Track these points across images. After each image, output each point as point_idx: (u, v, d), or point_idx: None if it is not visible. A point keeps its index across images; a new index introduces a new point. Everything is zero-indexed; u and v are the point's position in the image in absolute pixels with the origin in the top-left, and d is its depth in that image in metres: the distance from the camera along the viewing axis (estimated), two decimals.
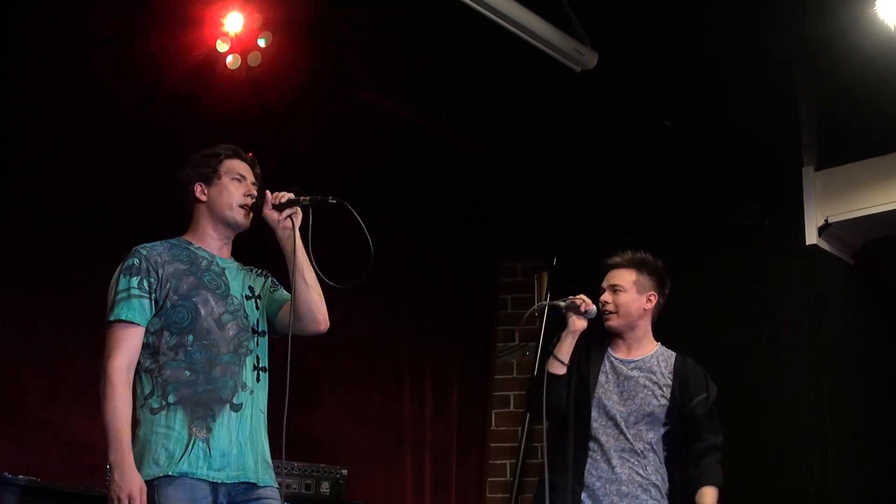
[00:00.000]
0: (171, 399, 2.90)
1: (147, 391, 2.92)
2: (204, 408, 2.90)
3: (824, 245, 5.38)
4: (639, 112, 5.33)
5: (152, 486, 2.82)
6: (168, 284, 2.97)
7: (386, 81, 5.05)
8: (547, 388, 3.60)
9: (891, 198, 5.19)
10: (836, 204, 5.34)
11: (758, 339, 5.37)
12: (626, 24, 4.98)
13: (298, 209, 3.07)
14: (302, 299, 3.06)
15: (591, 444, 3.63)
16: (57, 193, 4.60)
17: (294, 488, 4.67)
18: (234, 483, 2.92)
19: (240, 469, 2.93)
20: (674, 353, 3.76)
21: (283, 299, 3.16)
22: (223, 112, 4.64)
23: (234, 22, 4.51)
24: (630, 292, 3.74)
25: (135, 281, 2.95)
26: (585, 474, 3.60)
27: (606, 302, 3.74)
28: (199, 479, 2.85)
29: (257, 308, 3.12)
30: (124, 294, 2.94)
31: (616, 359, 3.73)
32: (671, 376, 3.66)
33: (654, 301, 3.76)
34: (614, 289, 3.75)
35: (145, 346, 2.95)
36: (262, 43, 4.57)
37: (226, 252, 3.15)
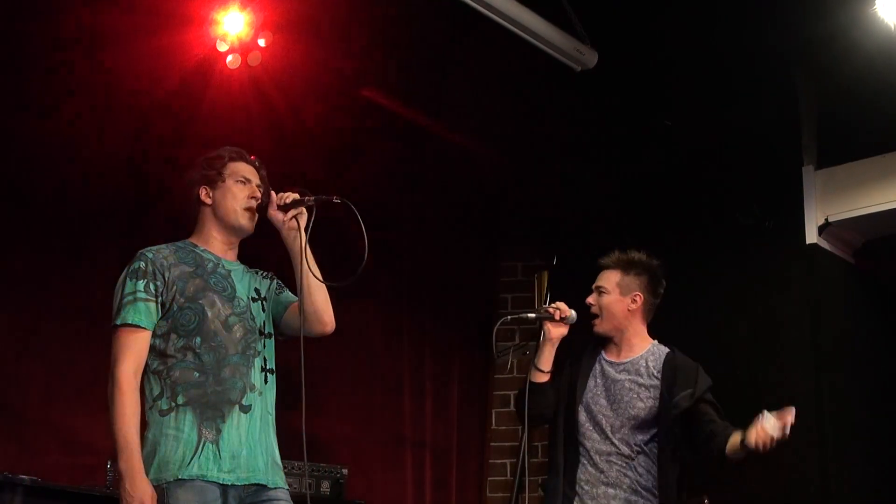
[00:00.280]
0: (179, 400, 2.89)
1: (156, 393, 2.92)
2: (213, 409, 2.90)
3: (824, 244, 5.37)
4: (639, 111, 5.33)
5: (162, 489, 2.81)
6: (174, 287, 2.96)
7: (386, 81, 5.06)
8: (529, 397, 3.60)
9: (891, 197, 5.18)
10: (836, 203, 5.34)
11: (758, 339, 5.37)
12: (627, 23, 4.99)
13: (304, 209, 3.07)
14: (308, 300, 3.06)
15: (581, 449, 3.61)
16: (57, 193, 4.60)
17: (294, 488, 4.66)
18: (245, 485, 2.91)
19: (250, 471, 2.92)
20: (667, 350, 3.71)
21: (289, 301, 3.16)
22: (223, 112, 4.64)
23: (233, 22, 4.51)
24: (613, 294, 3.71)
25: (141, 284, 2.95)
26: (576, 478, 3.59)
27: (591, 304, 3.73)
28: (210, 482, 2.84)
29: (263, 310, 3.12)
30: (130, 298, 2.94)
31: (607, 361, 3.71)
32: (659, 375, 3.61)
33: (641, 301, 3.71)
34: (599, 290, 3.74)
35: (153, 348, 2.94)
36: (261, 43, 4.57)
37: (232, 255, 3.15)
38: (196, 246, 3.10)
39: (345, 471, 5.00)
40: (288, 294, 3.19)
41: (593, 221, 5.83)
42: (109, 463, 4.32)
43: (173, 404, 2.89)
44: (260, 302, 3.12)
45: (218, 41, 4.51)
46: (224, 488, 2.86)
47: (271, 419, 3.06)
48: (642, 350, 3.70)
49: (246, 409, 2.95)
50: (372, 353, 5.80)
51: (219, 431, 2.88)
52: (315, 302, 3.08)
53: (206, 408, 2.89)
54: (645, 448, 3.57)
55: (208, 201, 3.12)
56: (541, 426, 3.72)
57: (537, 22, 4.68)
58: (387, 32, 4.75)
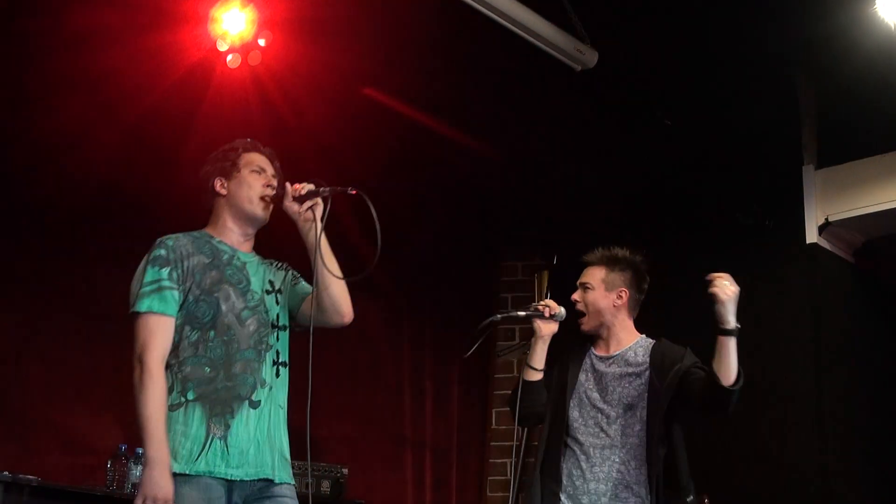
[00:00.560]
0: (190, 396, 2.88)
1: (167, 385, 2.88)
2: (223, 405, 2.89)
3: (825, 244, 5.38)
4: (639, 111, 5.33)
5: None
6: (192, 278, 2.95)
7: (386, 80, 5.05)
8: (522, 395, 3.61)
9: (891, 196, 5.19)
10: (836, 202, 5.34)
11: (758, 339, 5.36)
12: (627, 23, 4.98)
13: (319, 200, 3.06)
14: (325, 292, 3.06)
15: (571, 444, 3.62)
16: (57, 192, 4.60)
17: (295, 487, 4.67)
18: (252, 480, 2.90)
19: (258, 466, 2.92)
20: (654, 341, 3.75)
21: (305, 292, 3.15)
22: (223, 111, 4.63)
23: (234, 21, 4.51)
24: (598, 290, 3.74)
25: (164, 272, 2.93)
26: (564, 475, 3.59)
27: (577, 300, 3.76)
28: (216, 478, 2.84)
29: (277, 303, 3.10)
30: (155, 286, 2.92)
31: (596, 356, 3.74)
32: (647, 363, 3.64)
33: (626, 297, 3.74)
34: (584, 287, 3.77)
35: None
36: (262, 42, 4.57)
37: (247, 246, 3.14)
38: (212, 237, 3.09)
39: (345, 470, 5.01)
40: (304, 285, 3.18)
41: (593, 221, 5.83)
42: (109, 463, 4.33)
43: (183, 399, 2.87)
44: (274, 294, 3.10)
45: (218, 41, 4.50)
46: (230, 484, 2.86)
47: (283, 413, 3.04)
48: (630, 343, 3.73)
49: (255, 405, 2.94)
50: (372, 352, 5.80)
51: (227, 427, 2.87)
52: (332, 293, 3.07)
53: (216, 403, 2.88)
54: (638, 437, 3.57)
55: (223, 192, 3.11)
56: (535, 424, 3.73)
57: (537, 21, 4.68)
58: (387, 32, 4.74)
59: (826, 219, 5.31)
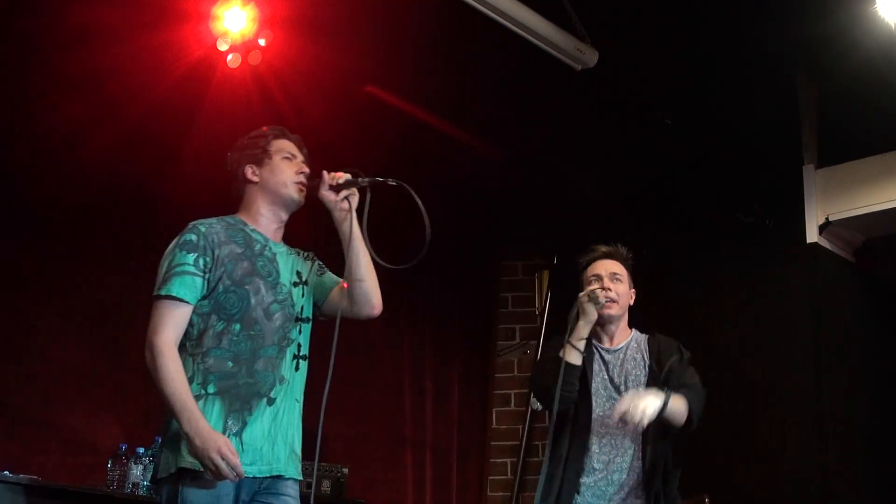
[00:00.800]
0: (210, 389, 2.84)
1: (188, 375, 2.84)
2: (242, 401, 2.86)
3: (825, 243, 5.38)
4: (639, 110, 5.32)
5: (178, 476, 2.78)
6: (223, 267, 2.91)
7: (387, 79, 5.05)
8: (564, 378, 3.56)
9: (891, 195, 5.19)
10: (836, 202, 5.34)
11: (758, 339, 5.37)
12: (627, 22, 4.98)
13: (355, 190, 3.03)
14: (360, 283, 3.04)
15: (591, 437, 3.63)
16: (57, 192, 4.60)
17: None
18: (262, 477, 2.88)
19: (270, 463, 2.90)
20: (647, 335, 3.80)
21: (332, 283, 3.12)
22: (224, 109, 4.63)
23: (235, 19, 4.51)
24: (626, 283, 3.80)
25: (191, 258, 2.88)
26: (584, 467, 3.60)
27: (610, 289, 3.74)
28: None
29: (303, 295, 3.06)
30: (179, 270, 2.87)
31: (603, 349, 3.76)
32: (647, 354, 3.71)
33: (634, 295, 3.84)
34: (615, 277, 3.77)
35: (191, 326, 2.88)
36: (262, 42, 4.57)
37: (279, 236, 3.09)
38: (246, 224, 3.04)
39: (345, 470, 5.00)
40: (330, 276, 3.15)
41: (593, 221, 5.83)
42: (110, 462, 4.33)
43: (203, 392, 2.84)
44: (301, 286, 3.07)
45: (219, 40, 4.50)
46: (240, 481, 2.82)
47: (298, 406, 3.02)
48: (628, 337, 3.79)
49: (272, 402, 2.92)
50: (372, 352, 5.79)
51: (244, 424, 2.85)
52: (364, 284, 3.05)
53: (235, 399, 2.85)
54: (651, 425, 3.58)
55: (255, 179, 3.06)
56: (561, 409, 3.67)
57: (537, 21, 4.68)
58: (388, 31, 4.74)
59: (826, 218, 5.31)
